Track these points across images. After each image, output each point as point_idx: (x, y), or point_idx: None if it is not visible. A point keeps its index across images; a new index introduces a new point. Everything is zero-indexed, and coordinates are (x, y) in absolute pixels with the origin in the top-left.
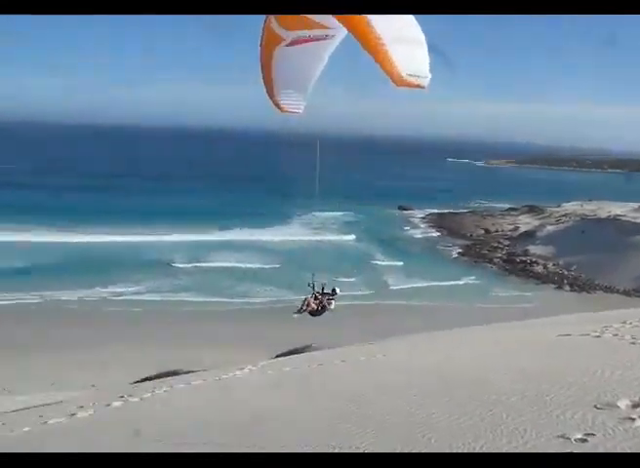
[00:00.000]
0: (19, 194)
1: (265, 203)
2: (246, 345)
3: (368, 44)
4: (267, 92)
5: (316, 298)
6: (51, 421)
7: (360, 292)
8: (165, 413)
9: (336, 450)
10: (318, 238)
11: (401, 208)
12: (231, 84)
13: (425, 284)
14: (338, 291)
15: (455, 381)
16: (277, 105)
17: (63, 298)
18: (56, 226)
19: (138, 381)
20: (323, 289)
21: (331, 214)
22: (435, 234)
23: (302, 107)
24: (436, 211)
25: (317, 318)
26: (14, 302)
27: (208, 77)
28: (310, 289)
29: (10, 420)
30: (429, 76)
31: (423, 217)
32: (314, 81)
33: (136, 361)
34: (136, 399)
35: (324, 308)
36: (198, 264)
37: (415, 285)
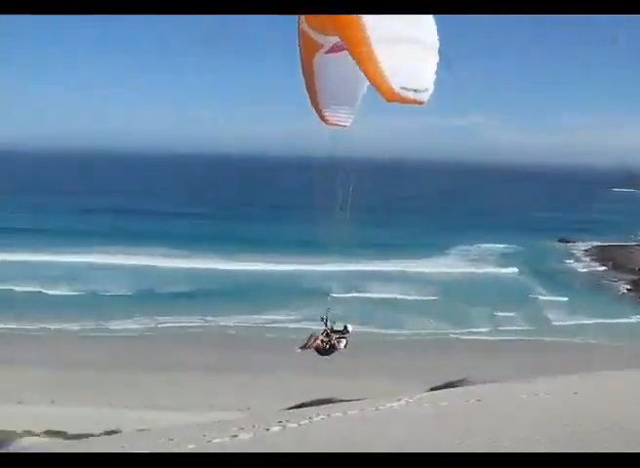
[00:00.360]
0: (185, 223)
1: (421, 233)
2: (400, 376)
3: (352, 48)
4: (311, 102)
5: (327, 335)
6: (215, 440)
7: (520, 328)
8: (323, 441)
9: None
10: (475, 270)
11: (562, 240)
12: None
13: (590, 321)
14: (350, 328)
15: (628, 426)
16: (323, 118)
17: (223, 324)
18: (218, 253)
19: (292, 407)
20: (332, 327)
21: (488, 245)
22: (600, 268)
23: (350, 121)
24: (600, 243)
25: (470, 351)
26: (179, 325)
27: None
28: (322, 323)
29: (175, 436)
30: (430, 89)
31: (587, 250)
32: (362, 92)
33: (291, 387)
34: (294, 424)
35: (333, 347)
36: (355, 294)
37: (578, 321)
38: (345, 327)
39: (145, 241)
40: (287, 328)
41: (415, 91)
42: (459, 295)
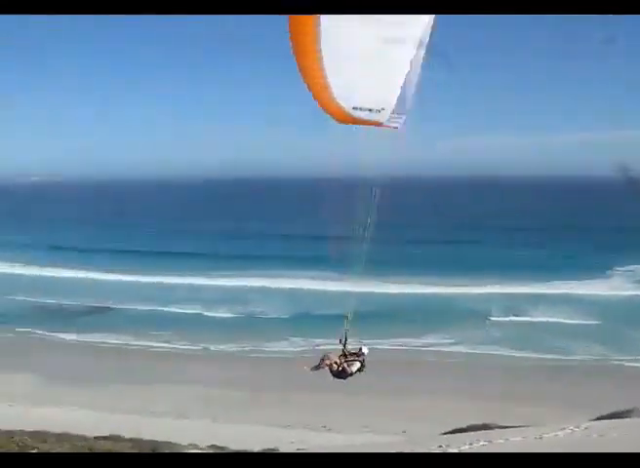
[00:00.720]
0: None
1: (580, 253)
2: (559, 403)
3: (300, 59)
4: None
5: (346, 356)
6: None
7: None
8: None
9: None
10: None
11: None
12: None
13: None
14: (365, 350)
15: None
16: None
17: (380, 346)
18: (372, 276)
19: (450, 432)
20: (344, 348)
21: None
22: None
23: (402, 121)
24: None
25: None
26: (334, 347)
27: None
28: (342, 345)
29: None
30: (388, 108)
31: None
32: (413, 89)
33: (446, 411)
34: (454, 450)
35: (344, 371)
36: (514, 318)
37: None
38: (360, 349)
39: (300, 264)
40: (441, 351)
41: (370, 110)
42: (624, 320)
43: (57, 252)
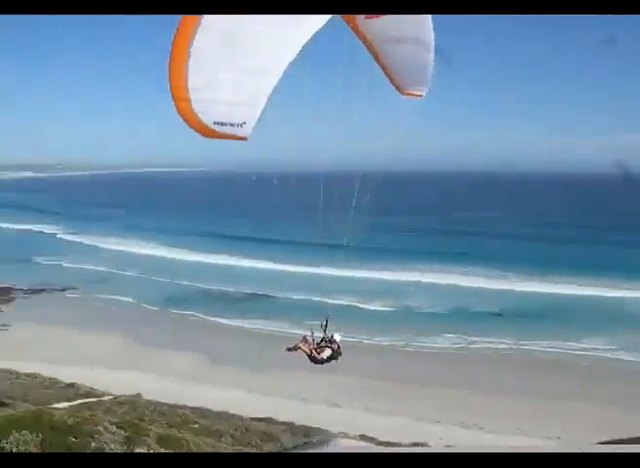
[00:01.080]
0: (499, 243)
1: None
2: None
3: (171, 62)
4: (385, 73)
5: (325, 342)
6: None
7: None
8: None
9: None
10: None
11: None
12: None
13: None
14: (337, 338)
15: None
16: (398, 89)
17: (538, 348)
18: (533, 274)
19: (606, 442)
20: (313, 333)
21: None
22: None
23: (425, 91)
24: None
25: None
26: (489, 346)
27: None
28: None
29: None
30: (250, 122)
31: None
32: (430, 62)
33: (604, 419)
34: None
35: (315, 357)
36: None
37: None
38: (332, 336)
39: (453, 260)
40: (603, 357)
41: (231, 125)
42: None
43: (219, 240)
